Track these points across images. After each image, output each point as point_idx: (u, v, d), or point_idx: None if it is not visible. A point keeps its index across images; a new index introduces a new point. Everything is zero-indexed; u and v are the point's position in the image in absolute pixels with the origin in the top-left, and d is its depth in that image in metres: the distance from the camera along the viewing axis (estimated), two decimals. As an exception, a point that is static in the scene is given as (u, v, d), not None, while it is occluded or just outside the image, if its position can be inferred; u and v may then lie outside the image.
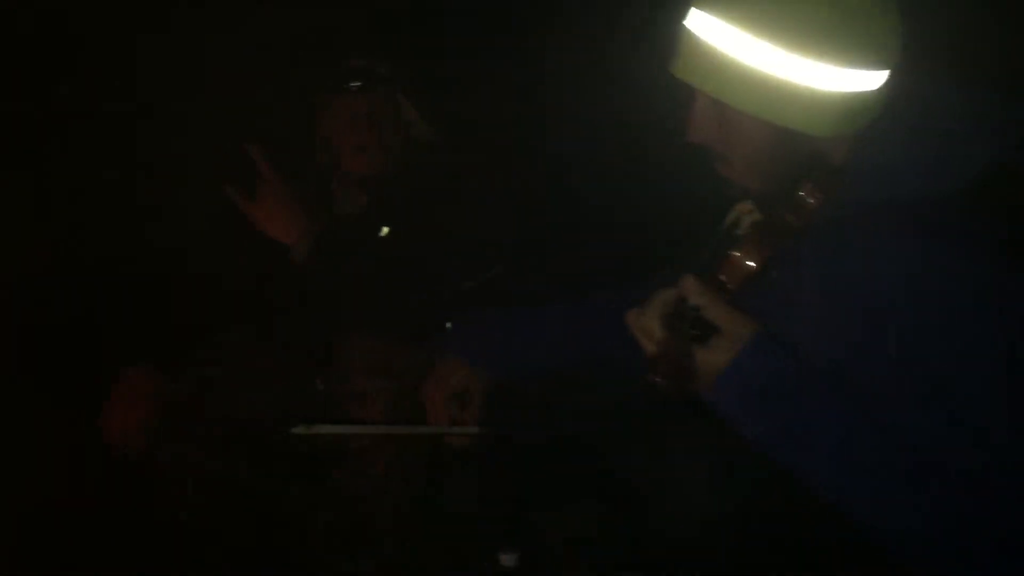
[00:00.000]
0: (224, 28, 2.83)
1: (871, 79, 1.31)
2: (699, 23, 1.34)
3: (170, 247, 2.49)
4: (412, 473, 2.07)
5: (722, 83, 1.32)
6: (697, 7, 1.35)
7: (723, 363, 1.21)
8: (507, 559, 1.81)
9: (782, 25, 1.27)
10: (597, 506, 1.47)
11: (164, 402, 2.17)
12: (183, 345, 2.27)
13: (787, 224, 1.30)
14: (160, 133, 2.82)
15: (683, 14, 1.39)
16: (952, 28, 2.10)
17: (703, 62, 1.33)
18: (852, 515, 1.22)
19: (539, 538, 1.54)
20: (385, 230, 2.29)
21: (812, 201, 1.30)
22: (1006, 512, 1.17)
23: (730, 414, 1.24)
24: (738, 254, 1.28)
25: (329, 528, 2.08)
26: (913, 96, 1.36)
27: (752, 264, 1.28)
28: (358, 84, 2.27)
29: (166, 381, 2.20)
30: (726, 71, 1.31)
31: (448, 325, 2.02)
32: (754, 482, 1.26)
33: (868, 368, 1.26)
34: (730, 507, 1.26)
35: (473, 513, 2.10)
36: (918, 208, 1.30)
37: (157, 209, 2.70)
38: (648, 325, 1.22)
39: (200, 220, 2.45)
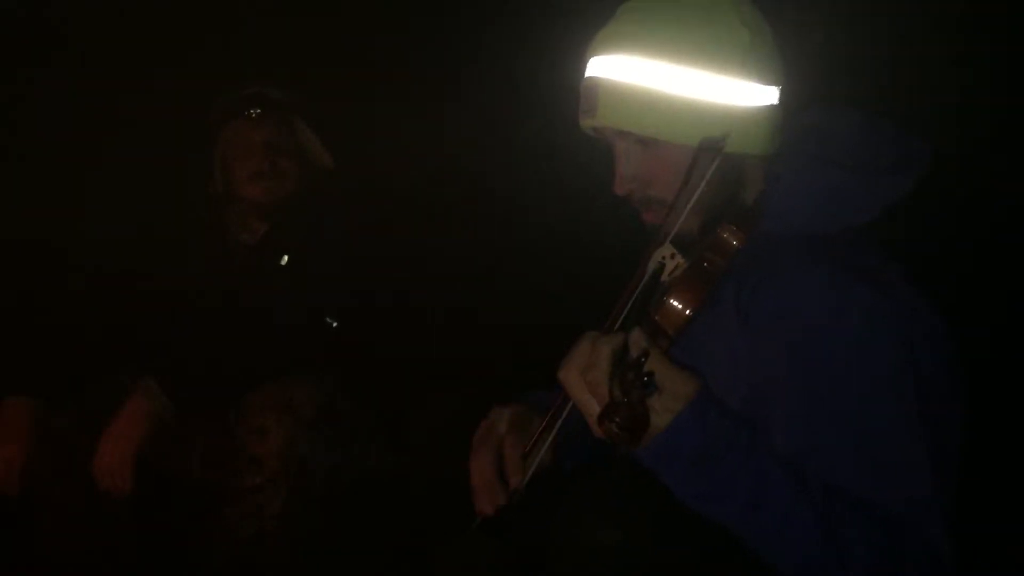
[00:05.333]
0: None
1: (776, 94, 1.36)
2: (614, 67, 1.32)
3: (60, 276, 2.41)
4: (308, 512, 2.03)
5: (655, 120, 1.30)
6: (609, 52, 1.34)
7: (661, 425, 1.18)
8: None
9: (704, 50, 1.29)
10: (491, 541, 1.46)
11: (44, 436, 2.08)
12: (69, 377, 2.18)
13: (714, 266, 1.30)
14: (59, 163, 2.75)
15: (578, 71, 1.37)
16: (850, 63, 2.21)
17: (628, 104, 1.31)
18: (768, 560, 1.22)
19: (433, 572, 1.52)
20: (285, 258, 2.25)
21: (735, 242, 1.30)
22: (910, 547, 1.19)
23: (658, 472, 1.22)
24: (674, 301, 1.26)
25: (224, 568, 2.02)
26: (814, 130, 1.38)
27: (687, 311, 1.26)
28: (256, 111, 2.24)
29: (47, 413, 2.11)
30: (656, 107, 1.30)
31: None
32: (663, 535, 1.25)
33: (782, 403, 1.26)
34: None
35: (368, 549, 2.08)
36: (828, 242, 1.32)
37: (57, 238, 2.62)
38: (598, 376, 1.17)
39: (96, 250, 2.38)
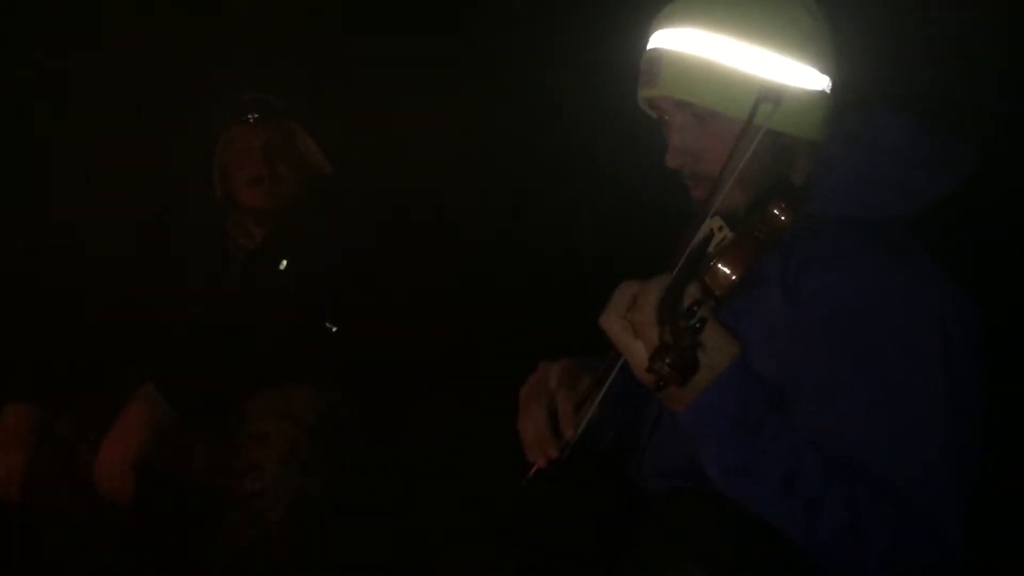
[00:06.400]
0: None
1: (830, 83, 1.41)
2: (679, 38, 1.36)
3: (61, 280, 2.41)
4: (309, 517, 2.03)
5: (714, 92, 1.34)
6: (675, 24, 1.37)
7: (706, 379, 1.20)
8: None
9: (767, 29, 1.34)
10: (494, 546, 1.46)
11: (45, 442, 2.08)
12: (70, 383, 2.18)
13: (763, 236, 1.33)
14: (60, 167, 2.75)
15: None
16: (901, 67, 2.21)
17: (690, 75, 1.35)
18: (794, 540, 1.21)
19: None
20: (284, 263, 2.25)
21: (784, 218, 1.34)
22: (931, 526, 1.20)
23: (699, 433, 1.22)
24: (722, 265, 1.30)
25: (225, 574, 2.01)
26: (867, 123, 1.41)
27: (734, 275, 1.30)
28: (255, 116, 2.24)
29: (48, 420, 2.11)
30: (718, 79, 1.34)
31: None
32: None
33: (813, 378, 1.27)
34: None
35: (369, 555, 2.08)
36: (872, 228, 1.34)
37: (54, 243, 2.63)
38: (646, 316, 1.17)
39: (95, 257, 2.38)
